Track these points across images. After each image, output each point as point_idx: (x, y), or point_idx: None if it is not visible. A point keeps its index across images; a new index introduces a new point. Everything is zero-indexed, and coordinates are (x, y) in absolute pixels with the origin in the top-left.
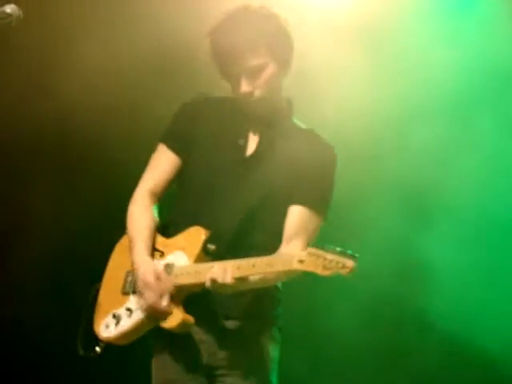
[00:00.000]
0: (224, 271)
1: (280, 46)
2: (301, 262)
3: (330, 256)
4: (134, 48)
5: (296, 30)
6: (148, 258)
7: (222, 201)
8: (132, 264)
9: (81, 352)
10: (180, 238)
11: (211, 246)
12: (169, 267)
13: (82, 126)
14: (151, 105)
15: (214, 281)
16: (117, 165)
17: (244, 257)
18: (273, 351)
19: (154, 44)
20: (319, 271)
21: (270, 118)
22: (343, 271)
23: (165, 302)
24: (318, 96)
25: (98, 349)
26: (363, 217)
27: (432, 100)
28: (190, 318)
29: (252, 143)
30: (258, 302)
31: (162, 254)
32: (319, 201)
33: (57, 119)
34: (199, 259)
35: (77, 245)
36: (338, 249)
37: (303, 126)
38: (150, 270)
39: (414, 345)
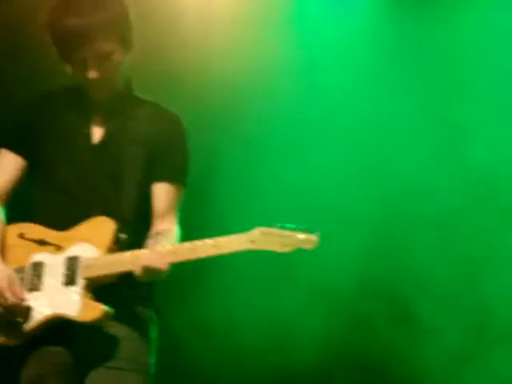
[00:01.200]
0: (161, 258)
1: (126, 29)
2: (253, 242)
3: (286, 233)
4: None
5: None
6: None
7: (85, 191)
8: None
9: None
10: (82, 230)
11: (123, 235)
12: (73, 260)
13: None
14: None
15: (147, 268)
16: None
17: (143, 242)
18: (151, 332)
19: None
20: (277, 248)
21: (114, 102)
22: (307, 246)
23: (22, 300)
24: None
25: None
26: None
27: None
28: (110, 310)
29: (98, 130)
30: (119, 285)
31: (59, 248)
32: (180, 173)
33: None
34: (111, 249)
35: None
36: (290, 226)
37: (145, 99)
38: (4, 275)
39: None
